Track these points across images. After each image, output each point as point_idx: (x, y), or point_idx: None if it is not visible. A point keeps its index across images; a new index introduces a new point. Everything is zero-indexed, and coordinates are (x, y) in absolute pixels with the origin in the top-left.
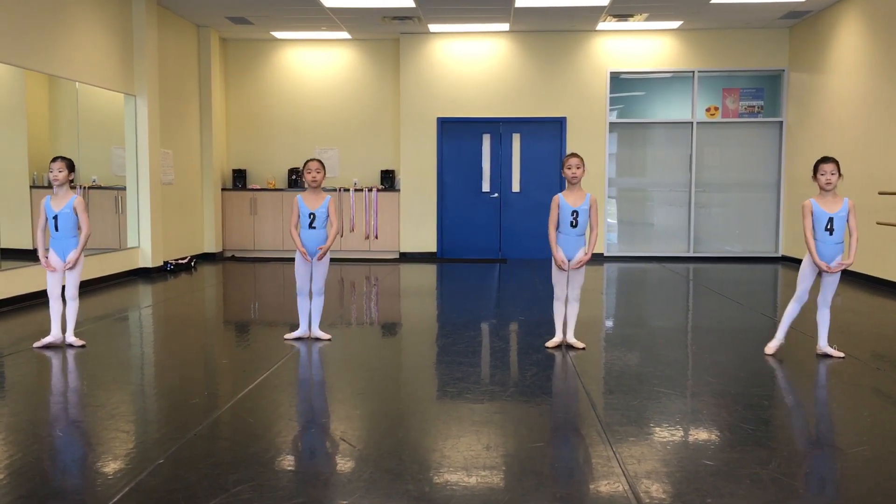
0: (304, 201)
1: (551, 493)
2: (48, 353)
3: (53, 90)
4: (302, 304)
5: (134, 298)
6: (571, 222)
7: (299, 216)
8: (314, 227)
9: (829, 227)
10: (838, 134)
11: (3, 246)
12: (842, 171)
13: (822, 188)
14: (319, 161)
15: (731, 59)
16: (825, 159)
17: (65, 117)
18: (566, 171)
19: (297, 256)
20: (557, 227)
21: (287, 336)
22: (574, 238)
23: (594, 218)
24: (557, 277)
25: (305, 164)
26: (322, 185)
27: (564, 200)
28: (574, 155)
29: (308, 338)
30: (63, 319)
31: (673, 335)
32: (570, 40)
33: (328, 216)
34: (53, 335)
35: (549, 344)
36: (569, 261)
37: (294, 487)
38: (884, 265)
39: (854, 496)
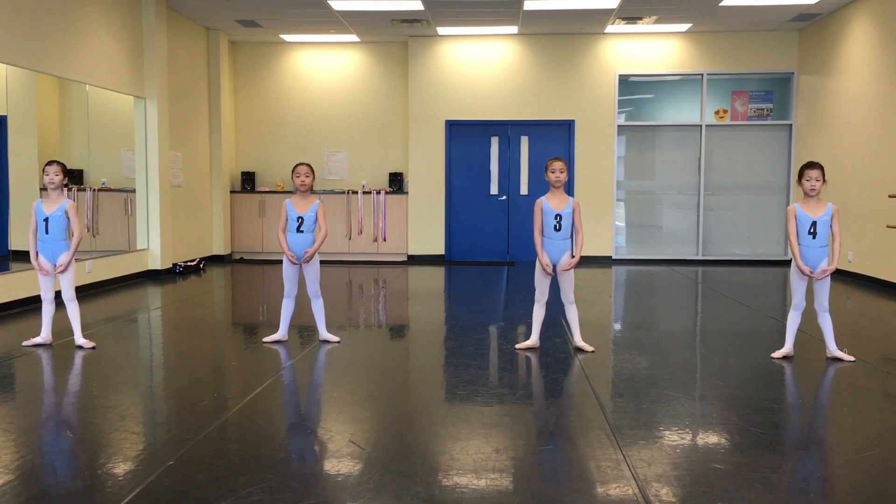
0: (293, 205)
1: (561, 496)
2: (49, 355)
3: (64, 93)
4: (286, 308)
5: (143, 300)
6: (555, 226)
7: (287, 220)
8: (302, 231)
9: (811, 230)
10: (848, 137)
11: (12, 248)
12: (826, 178)
13: (806, 193)
14: (308, 165)
15: (741, 62)
16: (810, 165)
17: (75, 120)
18: (549, 174)
19: (285, 260)
20: (542, 232)
21: (266, 339)
22: (559, 242)
23: (577, 222)
24: (540, 281)
25: (294, 167)
26: (312, 188)
27: (547, 204)
28: (557, 159)
29: (319, 339)
30: (67, 322)
31: (682, 338)
32: (578, 43)
33: (316, 220)
34: (43, 336)
35: (520, 346)
36: (555, 265)
37: (303, 489)
38: (894, 268)
39: (864, 500)
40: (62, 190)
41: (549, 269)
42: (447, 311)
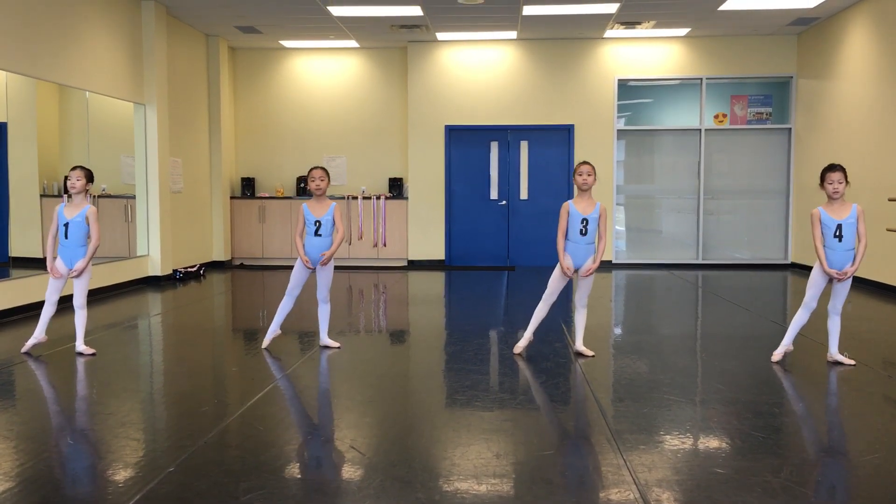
0: (310, 209)
1: (562, 502)
2: (49, 362)
3: (63, 99)
4: (285, 305)
5: (143, 307)
6: (581, 230)
7: (305, 224)
8: (320, 235)
9: (838, 233)
10: (847, 140)
11: (13, 255)
12: (848, 179)
13: (829, 196)
14: (323, 168)
15: (740, 66)
16: (832, 167)
17: (75, 126)
18: (577, 177)
19: (298, 261)
20: (566, 235)
21: (265, 344)
22: (583, 246)
23: (603, 227)
24: (556, 282)
25: (309, 172)
26: (327, 193)
27: (574, 208)
28: (586, 162)
29: (319, 344)
30: (71, 328)
31: (682, 342)
32: (577, 48)
33: (334, 223)
34: (36, 335)
35: (517, 349)
36: (577, 269)
37: (304, 495)
38: (894, 272)
39: None
40: (86, 195)
41: (570, 273)
42: (447, 316)
